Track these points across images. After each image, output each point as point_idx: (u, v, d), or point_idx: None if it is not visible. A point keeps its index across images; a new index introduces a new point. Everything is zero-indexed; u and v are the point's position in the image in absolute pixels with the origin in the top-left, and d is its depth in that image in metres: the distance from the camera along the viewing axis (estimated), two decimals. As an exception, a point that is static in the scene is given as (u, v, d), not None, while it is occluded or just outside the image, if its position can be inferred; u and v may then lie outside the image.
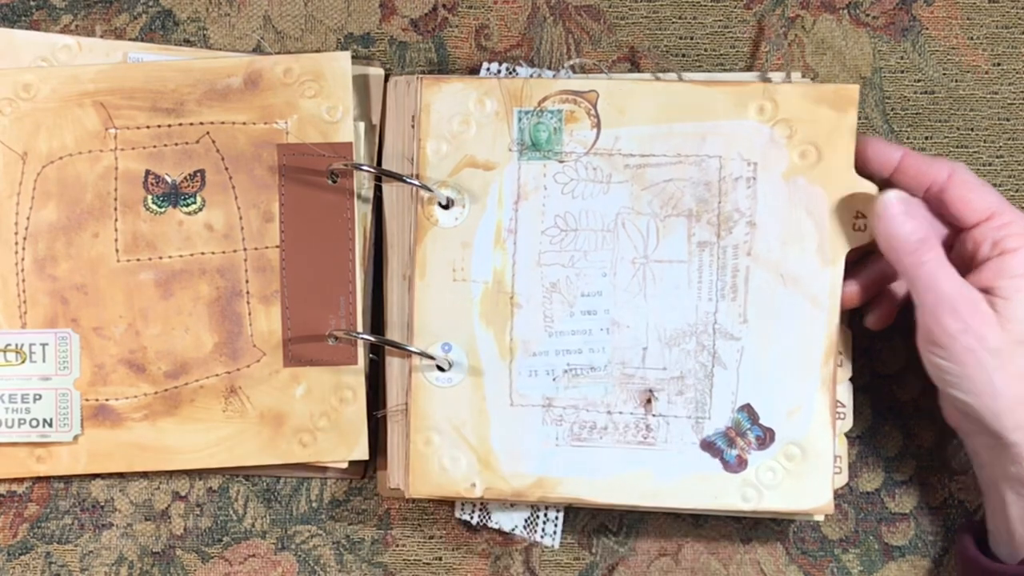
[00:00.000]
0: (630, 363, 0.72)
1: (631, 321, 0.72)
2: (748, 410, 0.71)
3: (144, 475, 0.76)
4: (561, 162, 0.72)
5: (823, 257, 0.71)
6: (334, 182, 0.74)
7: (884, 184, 0.70)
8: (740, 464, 0.71)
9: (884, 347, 0.76)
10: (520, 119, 0.72)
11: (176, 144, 0.74)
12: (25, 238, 0.74)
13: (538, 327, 0.72)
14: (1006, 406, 0.67)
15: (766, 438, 0.71)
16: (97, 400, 0.74)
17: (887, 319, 0.74)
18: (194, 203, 0.74)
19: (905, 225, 0.68)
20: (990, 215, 0.68)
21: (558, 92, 0.72)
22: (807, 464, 0.71)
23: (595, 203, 0.72)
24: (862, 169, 0.71)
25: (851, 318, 0.74)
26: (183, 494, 0.76)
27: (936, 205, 0.70)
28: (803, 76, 0.75)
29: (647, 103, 0.72)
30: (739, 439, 0.71)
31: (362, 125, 0.75)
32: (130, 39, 0.76)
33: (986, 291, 0.67)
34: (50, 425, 0.73)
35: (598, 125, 0.72)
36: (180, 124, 0.74)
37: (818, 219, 0.71)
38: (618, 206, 0.72)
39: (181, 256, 0.74)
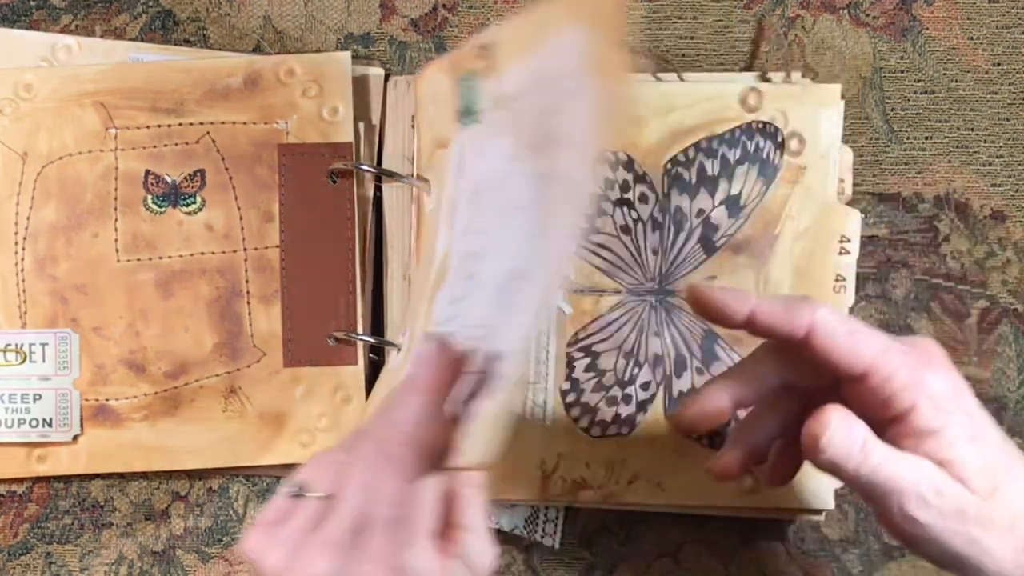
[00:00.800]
0: None
1: None
2: None
3: (144, 475, 0.76)
4: (480, 122, 0.66)
5: None
6: (334, 182, 0.74)
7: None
8: None
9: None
10: (460, 86, 0.68)
11: (176, 144, 0.74)
12: (25, 238, 0.74)
13: None
14: (1010, 565, 0.57)
15: None
16: (97, 400, 0.74)
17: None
18: (194, 203, 0.74)
19: (850, 436, 0.57)
20: (865, 370, 0.57)
21: (474, 48, 0.66)
22: None
23: (496, 161, 0.64)
24: (705, 315, 0.61)
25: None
26: (183, 494, 0.76)
27: (798, 356, 0.59)
28: (803, 76, 0.76)
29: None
30: None
31: (362, 125, 0.75)
32: (130, 39, 0.76)
33: (941, 464, 0.57)
34: (50, 425, 0.73)
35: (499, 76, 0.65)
36: (180, 124, 0.74)
37: None
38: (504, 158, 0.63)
39: (181, 256, 0.74)
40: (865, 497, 0.58)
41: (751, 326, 0.59)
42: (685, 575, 0.76)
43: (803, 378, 0.61)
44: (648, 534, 0.76)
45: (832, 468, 0.57)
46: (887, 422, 0.57)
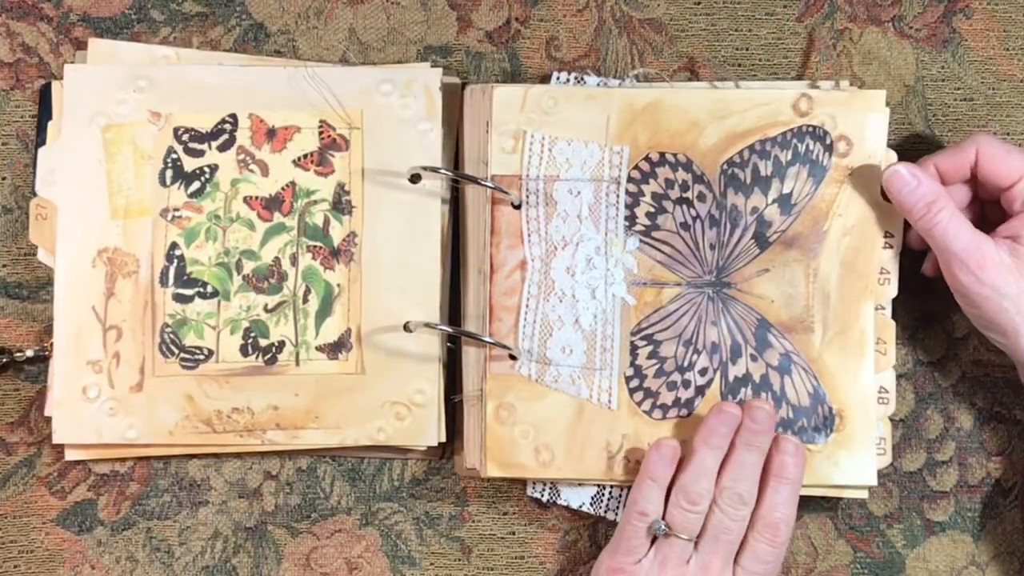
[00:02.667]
0: None
1: None
2: None
3: (238, 456, 0.81)
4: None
5: None
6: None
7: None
8: None
9: (925, 337, 0.81)
10: None
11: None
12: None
13: None
14: None
15: None
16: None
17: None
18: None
19: (914, 193, 0.74)
20: (1021, 176, 0.74)
21: None
22: None
23: None
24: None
25: (894, 310, 0.80)
26: (274, 473, 0.81)
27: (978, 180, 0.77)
28: (851, 84, 0.81)
29: None
30: None
31: (442, 129, 0.80)
32: (225, 50, 0.81)
33: (1013, 239, 0.74)
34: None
35: None
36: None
37: None
38: None
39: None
40: (936, 251, 0.74)
41: (943, 179, 0.76)
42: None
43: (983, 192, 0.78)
44: (706, 510, 0.81)
45: (902, 210, 0.75)
46: (1017, 214, 0.74)
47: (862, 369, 0.78)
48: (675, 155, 0.78)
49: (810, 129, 0.78)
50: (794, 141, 0.78)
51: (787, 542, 0.74)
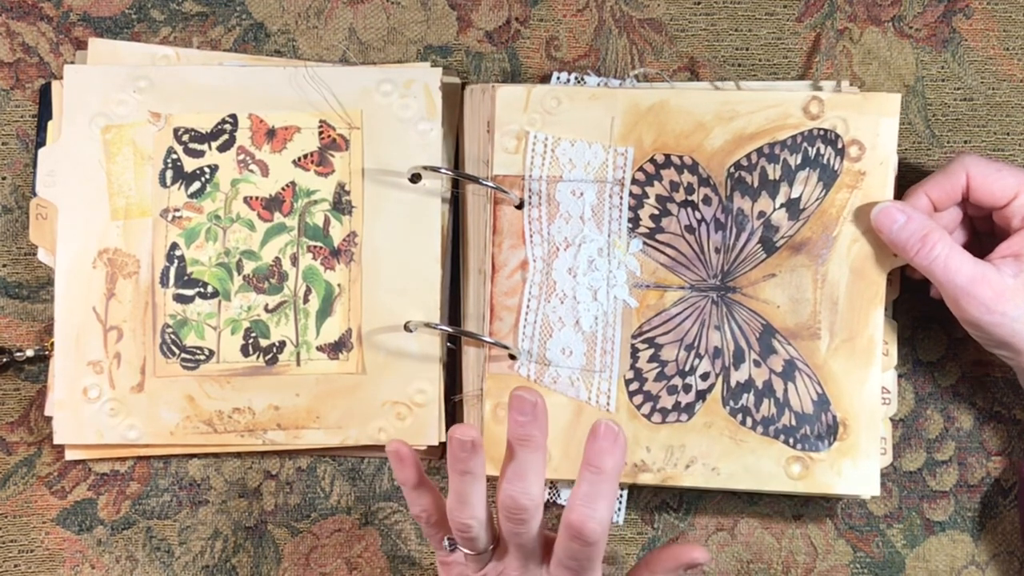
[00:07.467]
0: None
1: None
2: None
3: (238, 455, 0.81)
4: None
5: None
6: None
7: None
8: None
9: (925, 337, 0.82)
10: None
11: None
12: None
13: None
14: None
15: None
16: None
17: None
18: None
19: (905, 229, 0.73)
20: (1016, 194, 0.74)
21: None
22: None
23: None
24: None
25: (895, 310, 0.80)
26: (274, 473, 0.81)
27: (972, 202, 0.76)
28: (851, 84, 0.81)
29: None
30: None
31: (442, 129, 0.80)
32: (225, 50, 0.81)
33: (1015, 257, 0.73)
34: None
35: None
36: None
37: None
38: None
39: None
40: (937, 285, 0.73)
41: (936, 206, 0.75)
42: (740, 548, 0.81)
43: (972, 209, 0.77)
44: (705, 510, 0.81)
45: (895, 248, 0.74)
46: (1016, 231, 0.74)
47: (869, 377, 0.77)
48: (681, 157, 0.78)
49: (821, 132, 0.77)
50: (804, 145, 0.77)
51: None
